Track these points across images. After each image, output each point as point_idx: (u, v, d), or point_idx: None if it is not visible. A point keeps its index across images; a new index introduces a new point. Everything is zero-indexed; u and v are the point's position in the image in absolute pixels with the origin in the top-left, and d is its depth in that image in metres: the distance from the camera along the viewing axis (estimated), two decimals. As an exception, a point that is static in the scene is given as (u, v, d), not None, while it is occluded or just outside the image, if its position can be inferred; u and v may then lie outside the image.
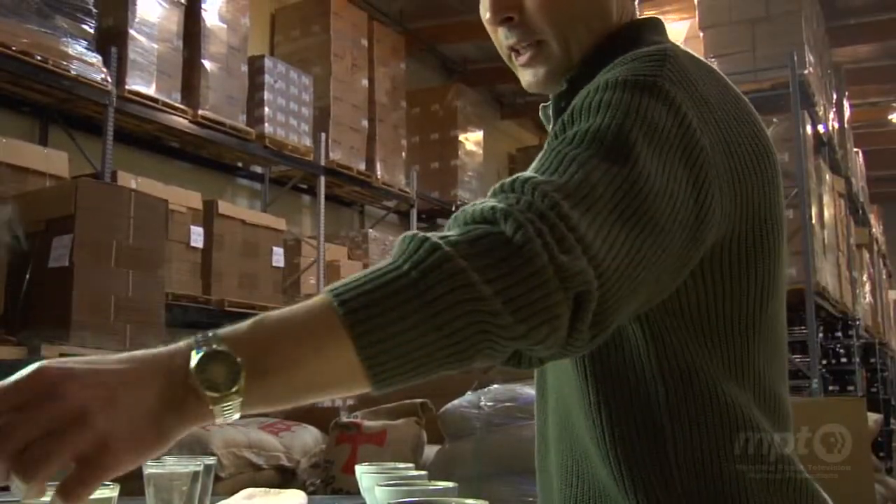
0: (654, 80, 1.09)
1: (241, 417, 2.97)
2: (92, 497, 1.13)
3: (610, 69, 1.15)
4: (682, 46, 1.24)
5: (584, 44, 1.28)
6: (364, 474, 1.65)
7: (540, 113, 1.44)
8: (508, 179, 0.99)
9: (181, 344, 0.85)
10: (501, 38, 1.31)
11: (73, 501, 0.78)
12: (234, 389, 0.80)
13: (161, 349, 0.86)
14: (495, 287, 0.87)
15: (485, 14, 1.30)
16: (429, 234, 0.90)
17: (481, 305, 0.86)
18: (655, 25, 1.33)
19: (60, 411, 0.78)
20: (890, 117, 11.51)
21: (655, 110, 1.06)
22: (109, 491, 1.17)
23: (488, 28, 1.33)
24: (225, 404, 0.81)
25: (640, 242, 0.97)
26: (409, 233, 0.92)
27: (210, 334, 0.84)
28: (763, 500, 1.14)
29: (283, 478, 3.52)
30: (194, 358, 0.82)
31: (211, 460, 1.66)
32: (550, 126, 1.36)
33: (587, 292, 0.90)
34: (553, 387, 1.33)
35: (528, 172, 1.01)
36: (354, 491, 1.72)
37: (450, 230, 0.94)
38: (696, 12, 7.56)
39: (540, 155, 1.06)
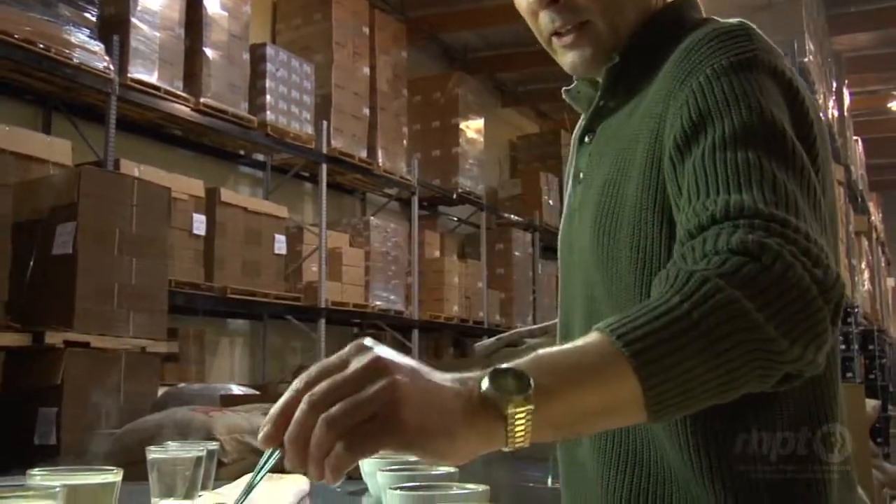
0: (755, 55, 1.14)
1: (244, 403, 2.97)
2: (96, 482, 1.14)
3: (692, 50, 1.17)
4: None
5: (630, 22, 1.29)
6: (366, 460, 1.65)
7: (565, 95, 1.44)
8: (720, 207, 1.00)
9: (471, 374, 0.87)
10: (545, 21, 1.30)
11: (361, 453, 0.81)
12: (523, 396, 0.81)
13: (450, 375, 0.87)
14: (766, 314, 0.89)
15: (532, 2, 1.30)
16: (691, 268, 0.93)
17: (757, 334, 0.88)
18: (694, 4, 1.34)
19: (389, 406, 0.80)
20: (889, 105, 11.49)
21: (770, 83, 1.12)
22: (113, 476, 1.17)
23: (527, 13, 1.33)
24: (517, 413, 0.81)
25: (826, 229, 1.07)
26: (671, 269, 0.96)
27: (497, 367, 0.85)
28: (837, 490, 1.16)
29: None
30: (487, 375, 0.84)
31: (213, 446, 1.67)
32: (588, 106, 1.39)
33: (842, 296, 0.95)
34: None
35: (729, 196, 1.01)
36: (356, 476, 1.73)
37: (694, 264, 0.95)
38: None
39: (698, 164, 1.07)
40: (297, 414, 0.82)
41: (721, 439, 1.13)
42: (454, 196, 10.47)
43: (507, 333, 3.71)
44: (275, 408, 0.85)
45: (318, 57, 8.30)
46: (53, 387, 4.24)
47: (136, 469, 1.58)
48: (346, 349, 0.88)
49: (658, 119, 1.18)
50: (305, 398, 0.82)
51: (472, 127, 10.76)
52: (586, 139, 1.36)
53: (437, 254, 10.39)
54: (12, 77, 5.88)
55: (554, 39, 1.31)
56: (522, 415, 0.81)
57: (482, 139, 10.98)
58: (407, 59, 9.79)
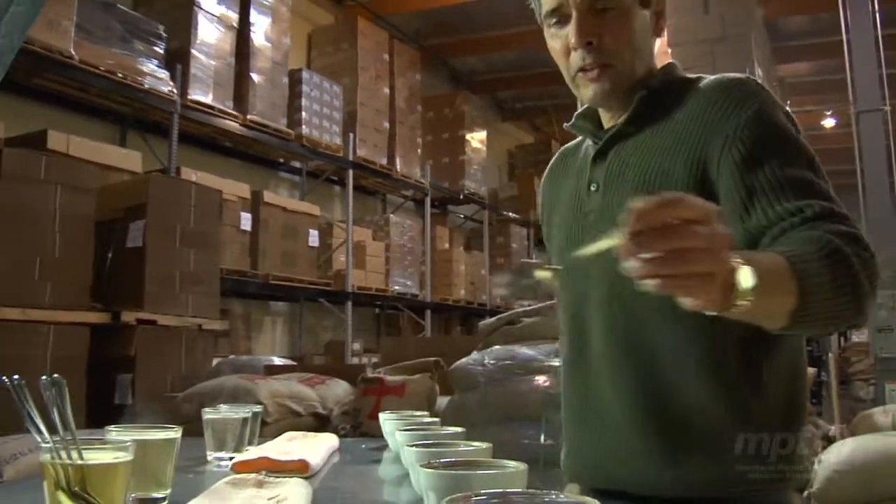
0: (774, 100, 1.31)
1: (284, 372, 2.98)
2: (160, 437, 1.15)
3: (730, 89, 1.31)
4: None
5: (639, 71, 1.39)
6: (386, 420, 1.66)
7: (573, 124, 1.52)
8: (817, 208, 1.17)
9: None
10: (576, 59, 1.37)
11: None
12: (752, 295, 0.94)
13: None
14: (863, 272, 1.10)
15: (565, 41, 1.37)
16: (827, 237, 1.11)
17: (860, 289, 1.10)
18: (676, 66, 1.47)
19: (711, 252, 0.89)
20: (822, 123, 11.56)
21: (785, 118, 1.30)
22: (174, 433, 1.18)
23: (560, 52, 1.40)
24: (745, 301, 0.94)
25: None
26: (816, 235, 1.12)
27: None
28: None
29: (319, 423, 3.52)
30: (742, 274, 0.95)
31: (258, 408, 1.67)
32: (591, 134, 1.49)
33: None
34: (609, 329, 1.35)
35: (812, 201, 1.19)
36: (378, 435, 1.74)
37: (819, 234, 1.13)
38: (666, 32, 7.51)
39: (770, 177, 1.22)
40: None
41: (739, 371, 1.26)
42: (461, 197, 10.46)
43: (506, 313, 3.71)
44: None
45: (345, 79, 8.29)
46: (128, 357, 4.27)
47: (195, 427, 1.59)
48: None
49: (700, 138, 1.29)
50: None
51: (477, 138, 10.73)
52: (599, 158, 1.42)
53: (447, 246, 10.38)
54: (96, 101, 5.95)
55: (579, 74, 1.38)
56: (746, 301, 0.95)
57: (485, 148, 10.95)
58: (421, 81, 9.76)
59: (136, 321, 4.34)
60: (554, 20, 1.40)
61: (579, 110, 1.53)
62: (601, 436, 1.34)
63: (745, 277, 0.94)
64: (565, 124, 1.54)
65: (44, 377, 0.94)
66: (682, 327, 1.26)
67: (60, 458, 0.91)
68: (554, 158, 1.66)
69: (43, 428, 0.93)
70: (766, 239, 1.19)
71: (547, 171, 1.65)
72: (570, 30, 1.36)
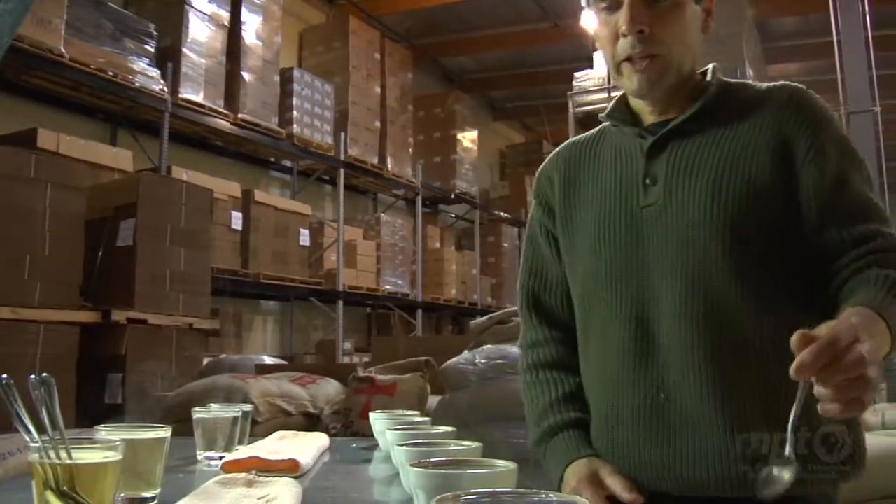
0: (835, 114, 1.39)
1: (275, 372, 2.97)
2: (149, 437, 1.15)
3: (803, 101, 1.36)
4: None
5: (685, 67, 1.38)
6: (377, 420, 1.66)
7: (611, 115, 1.48)
8: (881, 242, 1.27)
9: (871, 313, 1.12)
10: (624, 47, 1.34)
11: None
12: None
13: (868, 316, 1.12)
14: None
15: (614, 27, 1.34)
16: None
17: None
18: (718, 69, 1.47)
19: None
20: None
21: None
22: (163, 432, 1.18)
23: (606, 38, 1.37)
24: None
25: None
26: (870, 273, 1.23)
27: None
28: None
29: (310, 422, 3.52)
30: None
31: (248, 407, 1.67)
32: (632, 125, 1.45)
33: None
34: (689, 327, 1.30)
35: (876, 226, 1.29)
36: (369, 434, 1.74)
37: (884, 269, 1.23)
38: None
39: (851, 195, 1.31)
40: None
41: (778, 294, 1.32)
42: (452, 196, 10.46)
43: (497, 313, 3.71)
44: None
45: (337, 79, 8.28)
46: (119, 356, 4.26)
47: (185, 426, 1.59)
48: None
49: (778, 138, 1.32)
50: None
51: (468, 137, 10.74)
52: (656, 152, 1.39)
53: (438, 245, 10.38)
54: (87, 99, 5.94)
55: (625, 63, 1.35)
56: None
57: (476, 148, 10.96)
58: (412, 80, 9.76)
59: (127, 320, 4.33)
60: (604, 5, 1.37)
61: (613, 102, 1.49)
62: (676, 438, 1.29)
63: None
64: (600, 115, 1.50)
65: (32, 376, 0.93)
66: (771, 318, 1.27)
67: (49, 457, 0.90)
68: (562, 151, 1.58)
69: (31, 427, 0.93)
70: (841, 272, 1.27)
71: (555, 164, 1.56)
72: (621, 16, 1.33)
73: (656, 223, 1.34)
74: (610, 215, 1.40)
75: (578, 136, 1.58)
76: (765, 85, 1.40)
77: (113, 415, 3.98)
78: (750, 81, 1.43)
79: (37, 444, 0.91)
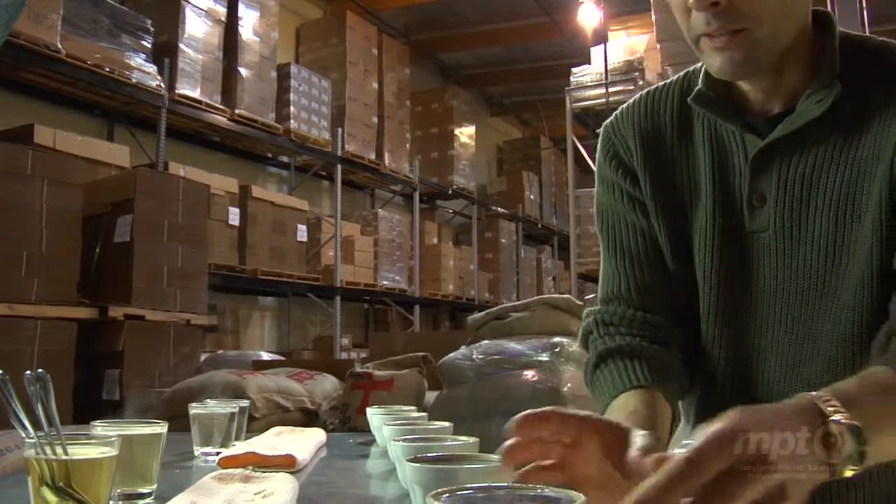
0: None
1: (272, 367, 2.96)
2: (145, 432, 1.15)
3: None
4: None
5: (789, 33, 1.04)
6: (374, 415, 1.66)
7: (698, 98, 1.14)
8: None
9: (809, 405, 0.74)
10: (698, 22, 1.02)
11: None
12: (855, 461, 0.73)
13: (794, 408, 0.74)
14: None
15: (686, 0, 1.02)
16: None
17: None
18: (834, 20, 1.11)
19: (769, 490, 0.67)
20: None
21: None
22: (160, 428, 1.18)
23: (679, 9, 1.05)
24: (846, 467, 0.73)
25: None
26: None
27: (830, 399, 0.75)
28: None
29: (308, 418, 3.52)
30: (837, 432, 0.73)
31: (245, 403, 1.67)
32: (725, 112, 1.13)
33: None
34: (792, 350, 1.09)
35: None
36: (367, 429, 1.74)
37: None
38: (654, 28, 7.53)
39: None
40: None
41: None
42: (450, 192, 10.46)
43: (494, 308, 3.71)
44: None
45: (334, 74, 8.28)
46: (116, 352, 4.26)
47: (183, 421, 1.59)
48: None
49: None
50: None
51: (465, 133, 10.74)
52: (763, 162, 1.10)
53: (436, 241, 10.38)
54: (84, 95, 5.94)
55: (704, 39, 1.03)
56: (847, 468, 0.73)
57: (474, 143, 10.96)
58: (410, 75, 9.76)
59: (124, 316, 4.33)
60: None
61: (703, 74, 1.14)
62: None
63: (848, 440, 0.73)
64: (689, 99, 1.15)
65: (28, 372, 0.93)
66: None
67: (45, 453, 0.90)
68: (636, 117, 1.23)
69: (27, 423, 0.93)
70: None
71: (630, 130, 1.22)
72: None
73: (767, 256, 1.10)
74: (712, 234, 1.14)
75: (653, 94, 1.24)
76: None
77: (110, 411, 3.98)
78: (884, 41, 1.09)
79: (32, 440, 0.91)
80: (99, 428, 1.16)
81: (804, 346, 1.08)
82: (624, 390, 1.07)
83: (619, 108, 1.26)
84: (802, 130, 1.06)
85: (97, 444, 0.96)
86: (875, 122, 1.03)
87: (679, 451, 0.67)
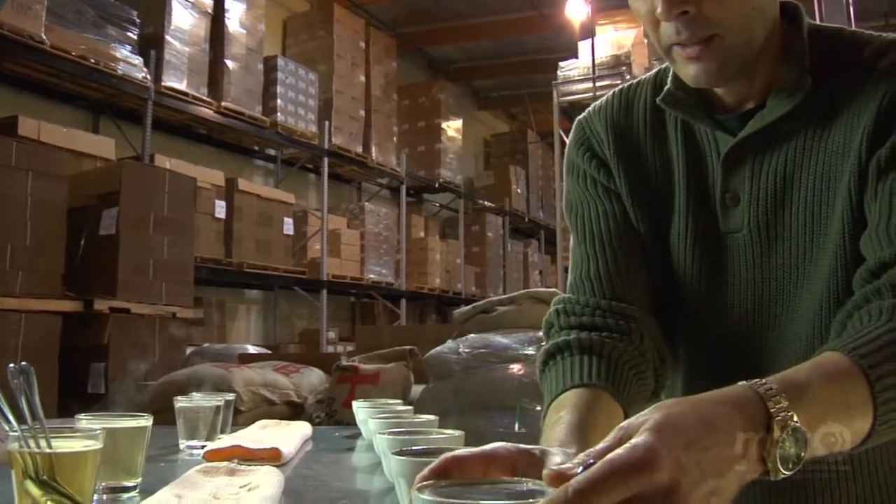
0: None
1: (258, 361, 2.95)
2: (130, 425, 1.15)
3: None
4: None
5: (762, 34, 1.02)
6: (360, 408, 1.66)
7: (667, 99, 1.12)
8: None
9: (753, 400, 0.70)
10: (668, 32, 1.00)
11: None
12: (793, 465, 0.69)
13: (735, 403, 0.69)
14: None
15: (652, 9, 1.00)
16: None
17: None
18: (802, 12, 1.09)
19: None
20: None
21: None
22: (144, 421, 1.18)
23: (646, 21, 1.03)
24: (781, 470, 0.69)
25: None
26: (873, 307, 0.87)
27: (779, 394, 0.70)
28: None
29: (294, 412, 3.52)
30: (780, 436, 0.69)
31: (231, 396, 1.67)
32: (696, 114, 1.11)
33: None
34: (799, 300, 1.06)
35: None
36: (353, 423, 1.74)
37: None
38: (641, 23, 7.55)
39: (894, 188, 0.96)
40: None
41: None
42: (436, 185, 10.45)
43: (481, 302, 3.72)
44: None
45: (321, 67, 8.26)
46: (101, 346, 4.26)
47: (168, 415, 1.59)
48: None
49: (866, 133, 1.00)
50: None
51: (452, 127, 10.73)
52: (735, 160, 1.09)
53: (422, 234, 10.39)
54: (69, 86, 5.90)
55: (676, 49, 1.01)
56: (783, 469, 0.69)
57: (461, 137, 10.96)
58: (397, 68, 9.74)
59: (109, 309, 4.32)
60: None
61: (672, 77, 1.12)
62: None
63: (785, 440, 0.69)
64: (658, 100, 1.13)
65: (11, 365, 0.93)
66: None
67: (28, 446, 0.90)
68: (608, 112, 1.22)
69: (10, 416, 0.93)
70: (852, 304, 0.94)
71: (603, 126, 1.21)
72: None
73: (743, 255, 1.09)
74: (685, 235, 1.14)
75: (626, 92, 1.23)
76: (876, 42, 1.04)
77: (96, 404, 3.98)
78: (855, 32, 1.08)
79: (16, 434, 0.91)
80: (83, 421, 1.16)
81: (780, 339, 1.07)
82: (566, 389, 1.01)
83: (592, 105, 1.25)
84: (774, 126, 1.05)
85: (81, 437, 0.96)
86: (844, 114, 1.02)
87: (577, 466, 0.62)
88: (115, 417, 1.18)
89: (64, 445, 0.93)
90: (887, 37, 1.04)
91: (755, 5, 0.99)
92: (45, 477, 0.89)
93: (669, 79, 1.12)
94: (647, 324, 1.12)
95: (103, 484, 1.09)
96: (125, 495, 1.10)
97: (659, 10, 0.97)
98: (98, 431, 0.96)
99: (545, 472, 0.64)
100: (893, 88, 0.98)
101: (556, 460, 0.73)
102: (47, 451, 0.90)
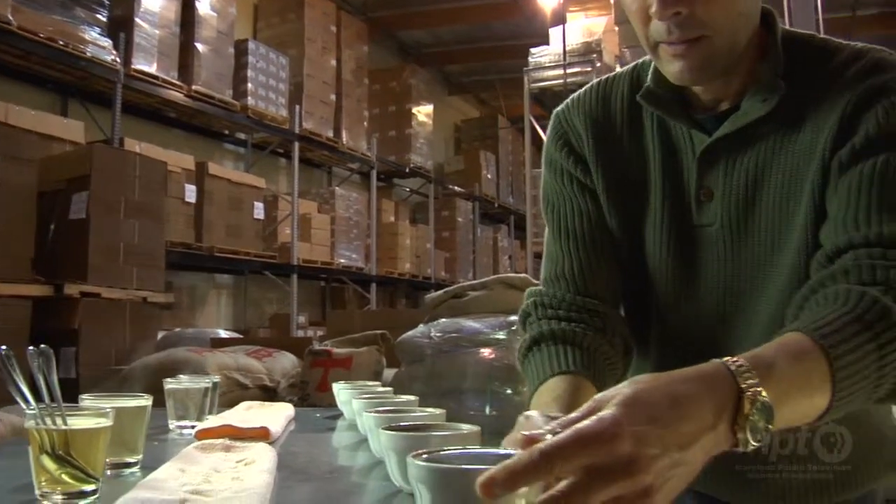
0: None
1: (230, 345, 3.01)
2: (133, 405, 1.23)
3: (873, 74, 1.07)
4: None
5: (746, 38, 1.09)
6: (341, 390, 1.74)
7: (647, 96, 1.19)
8: (872, 233, 0.99)
9: (726, 376, 0.76)
10: (658, 30, 1.05)
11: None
12: (761, 437, 0.75)
13: (707, 380, 0.75)
14: None
15: (643, 6, 1.06)
16: (864, 289, 0.92)
17: None
18: (778, 19, 1.16)
19: (633, 487, 0.66)
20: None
21: None
22: (145, 401, 1.25)
23: (636, 17, 1.08)
24: (751, 441, 0.75)
25: None
26: (851, 289, 0.93)
27: (749, 370, 0.76)
28: None
29: (266, 396, 3.58)
30: (751, 410, 0.74)
31: (217, 378, 1.74)
32: (675, 112, 1.18)
33: None
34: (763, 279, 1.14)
35: (881, 227, 0.99)
36: (326, 405, 1.81)
37: (858, 285, 0.94)
38: (613, 10, 7.64)
39: (854, 182, 1.02)
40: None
41: None
42: (407, 170, 10.52)
43: (452, 287, 3.79)
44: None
45: (292, 51, 8.27)
46: (72, 330, 4.27)
47: (155, 397, 1.65)
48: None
49: (830, 135, 1.07)
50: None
51: (423, 112, 10.79)
52: (709, 158, 1.16)
53: (392, 219, 10.45)
54: (37, 69, 5.90)
55: (662, 46, 1.07)
56: (752, 440, 0.75)
57: (431, 122, 11.02)
58: (368, 53, 9.77)
59: (80, 294, 4.34)
60: None
61: (652, 72, 1.19)
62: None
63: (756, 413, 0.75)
64: (638, 96, 1.20)
65: (31, 347, 1.01)
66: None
67: (45, 423, 0.98)
68: (586, 105, 1.28)
69: (29, 395, 1.01)
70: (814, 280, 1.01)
71: (581, 120, 1.27)
72: None
73: (715, 248, 1.17)
74: (660, 228, 1.21)
75: (603, 85, 1.29)
76: (845, 51, 1.12)
77: (67, 390, 4.00)
78: (825, 39, 1.15)
79: (34, 411, 0.99)
80: (87, 401, 1.24)
81: (746, 325, 1.15)
82: (552, 375, 1.11)
83: (570, 97, 1.31)
84: (748, 127, 1.11)
85: (93, 415, 1.04)
86: (812, 117, 1.09)
87: (547, 433, 0.68)
88: (117, 398, 1.26)
89: (78, 423, 1.01)
90: (854, 46, 1.12)
91: (742, 11, 1.06)
92: (60, 452, 0.97)
93: (649, 76, 1.19)
94: (615, 318, 1.23)
95: (108, 460, 1.17)
96: (128, 470, 1.18)
97: (654, 8, 1.03)
98: (108, 410, 1.04)
99: (518, 435, 0.72)
100: (857, 96, 1.06)
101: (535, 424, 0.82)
102: (63, 427, 0.98)
